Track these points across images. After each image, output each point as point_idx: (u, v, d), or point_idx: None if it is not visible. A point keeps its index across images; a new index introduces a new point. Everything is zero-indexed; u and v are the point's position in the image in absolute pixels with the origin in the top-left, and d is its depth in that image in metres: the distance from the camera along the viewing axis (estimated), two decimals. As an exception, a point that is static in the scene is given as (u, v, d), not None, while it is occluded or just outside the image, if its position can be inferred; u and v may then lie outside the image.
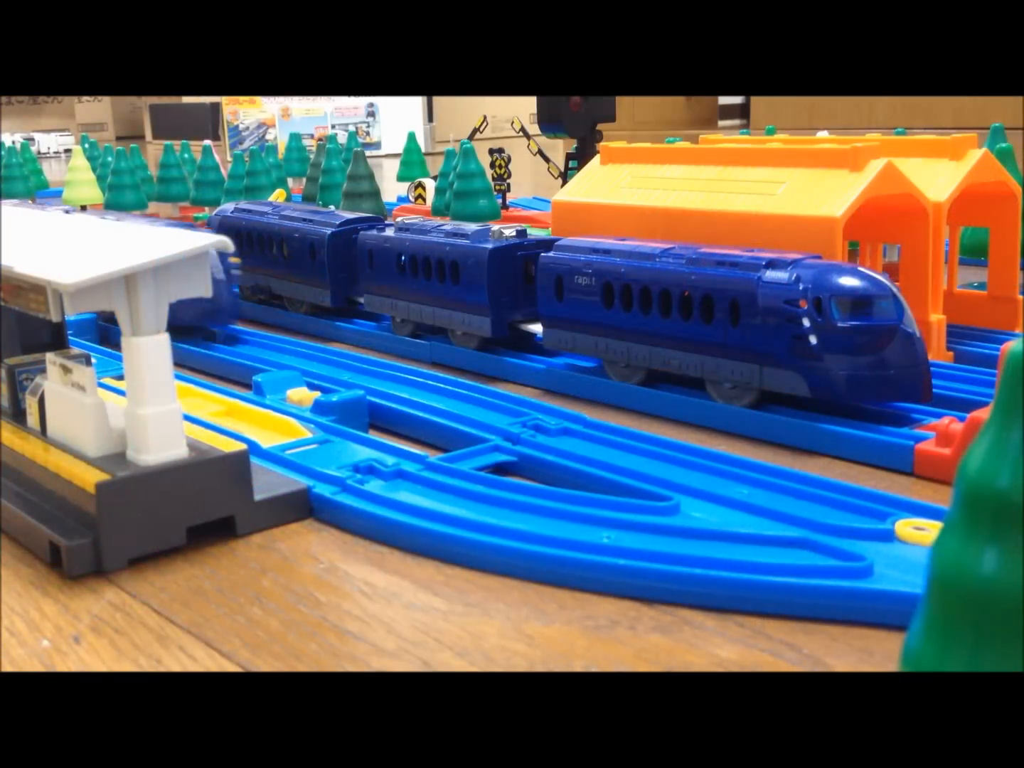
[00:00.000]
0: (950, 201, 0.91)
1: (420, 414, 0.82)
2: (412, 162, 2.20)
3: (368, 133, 3.92)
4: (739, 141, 1.11)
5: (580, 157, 1.64)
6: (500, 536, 0.60)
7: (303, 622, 0.55)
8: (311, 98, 3.86)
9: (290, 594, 0.58)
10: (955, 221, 1.00)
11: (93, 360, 0.68)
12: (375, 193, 1.62)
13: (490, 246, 0.96)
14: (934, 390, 0.76)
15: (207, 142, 2.03)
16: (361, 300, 1.14)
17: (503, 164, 1.77)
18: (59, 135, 4.73)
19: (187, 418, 0.70)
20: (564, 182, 1.62)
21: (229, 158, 2.23)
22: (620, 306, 0.85)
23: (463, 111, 3.95)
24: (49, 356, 0.69)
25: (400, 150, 2.29)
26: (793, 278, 0.75)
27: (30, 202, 2.17)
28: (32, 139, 4.39)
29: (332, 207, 1.66)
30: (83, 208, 2.02)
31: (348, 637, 0.53)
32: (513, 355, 0.98)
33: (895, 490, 0.66)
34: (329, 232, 1.13)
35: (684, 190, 0.97)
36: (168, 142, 2.18)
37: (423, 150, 2.35)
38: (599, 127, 1.67)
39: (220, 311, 1.08)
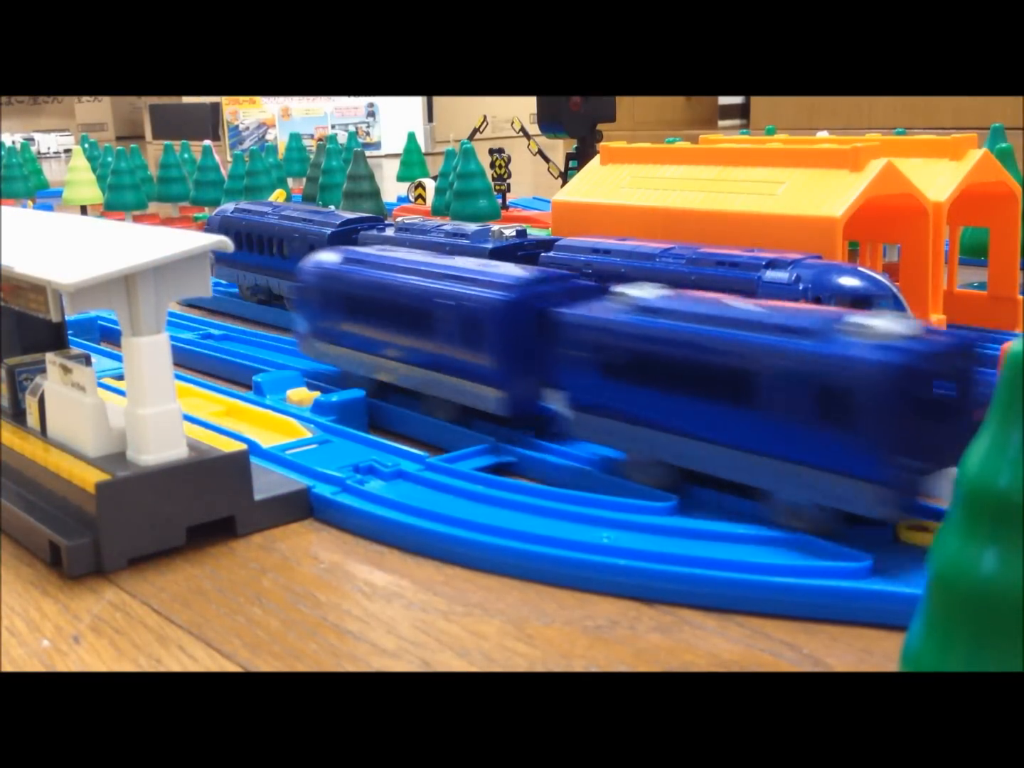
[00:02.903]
0: (950, 201, 0.91)
1: (420, 414, 0.82)
2: (412, 162, 2.20)
3: (368, 133, 3.92)
4: (739, 141, 1.11)
5: (580, 157, 1.64)
6: (500, 536, 0.60)
7: (303, 622, 0.55)
8: (311, 98, 3.86)
9: (290, 594, 0.58)
10: (955, 221, 1.00)
11: (93, 360, 0.68)
12: (375, 193, 1.61)
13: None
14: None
15: (207, 142, 2.03)
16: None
17: (503, 164, 1.77)
18: (59, 135, 4.72)
19: (187, 418, 0.70)
20: (564, 182, 1.62)
21: (229, 158, 2.23)
22: None
23: (463, 111, 3.94)
24: (49, 356, 0.69)
25: (400, 150, 2.29)
26: (793, 278, 0.75)
27: (29, 203, 2.17)
28: (32, 139, 4.38)
29: (332, 207, 1.66)
30: (83, 208, 2.02)
31: (348, 637, 0.53)
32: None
33: (895, 490, 0.66)
34: (329, 232, 1.13)
35: (684, 190, 0.97)
36: (168, 142, 2.18)
37: (423, 150, 2.35)
38: (599, 127, 1.67)
39: None
